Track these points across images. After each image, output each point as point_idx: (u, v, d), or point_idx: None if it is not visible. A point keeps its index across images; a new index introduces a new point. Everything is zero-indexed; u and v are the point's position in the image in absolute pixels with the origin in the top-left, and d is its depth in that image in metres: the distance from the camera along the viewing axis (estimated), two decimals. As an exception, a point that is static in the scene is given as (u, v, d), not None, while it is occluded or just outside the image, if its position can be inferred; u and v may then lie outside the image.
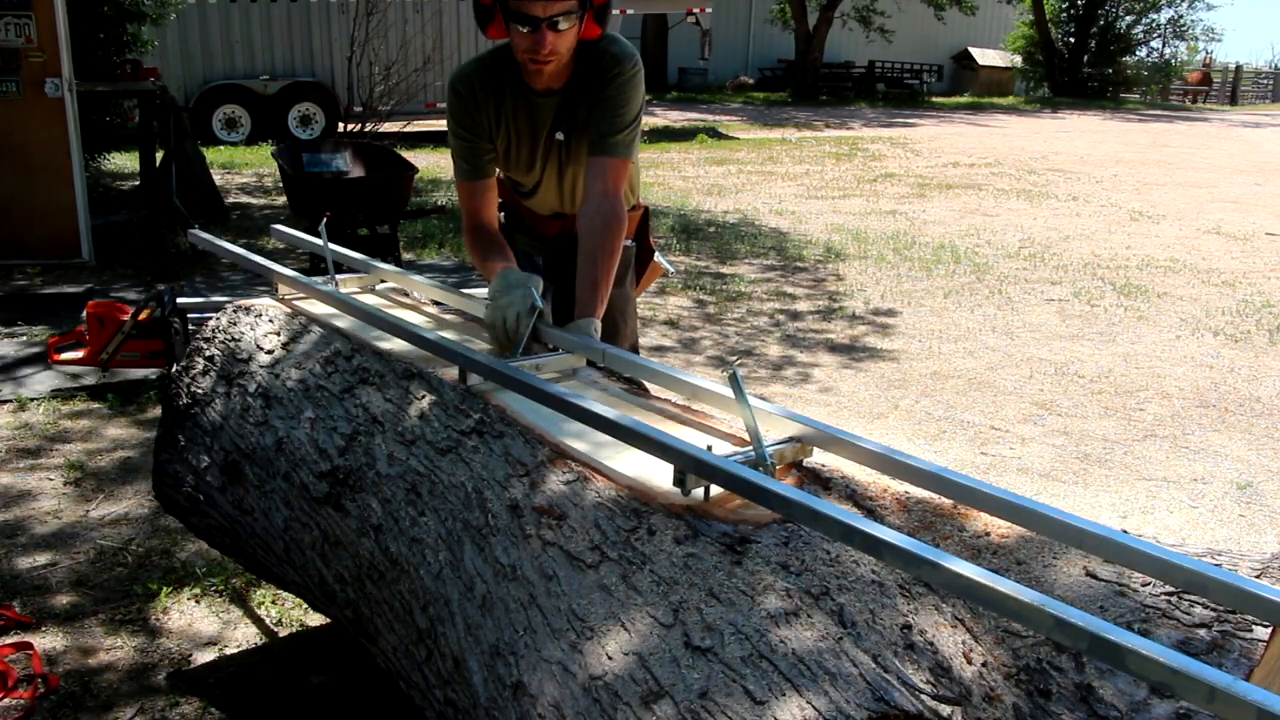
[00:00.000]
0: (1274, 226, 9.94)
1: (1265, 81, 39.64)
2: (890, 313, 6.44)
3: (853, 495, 1.62)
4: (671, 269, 2.82)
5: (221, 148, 13.45)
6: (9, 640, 2.72)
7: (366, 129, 11.54)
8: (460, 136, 2.52)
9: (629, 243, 2.74)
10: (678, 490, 1.57)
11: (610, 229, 2.39)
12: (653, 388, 2.14)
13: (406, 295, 2.72)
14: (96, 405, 4.43)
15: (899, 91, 28.38)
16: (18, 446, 4.00)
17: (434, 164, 11.83)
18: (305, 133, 14.22)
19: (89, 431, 4.17)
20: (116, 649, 2.74)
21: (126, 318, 4.47)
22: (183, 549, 3.25)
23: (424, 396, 1.99)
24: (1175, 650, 1.28)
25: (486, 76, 2.49)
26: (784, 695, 1.19)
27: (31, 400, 4.45)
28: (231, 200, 9.57)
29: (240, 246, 2.92)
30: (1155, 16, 31.33)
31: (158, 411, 3.43)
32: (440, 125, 12.71)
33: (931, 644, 1.30)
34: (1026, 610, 1.16)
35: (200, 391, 2.45)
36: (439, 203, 9.40)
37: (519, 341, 2.17)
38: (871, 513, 1.58)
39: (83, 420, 4.28)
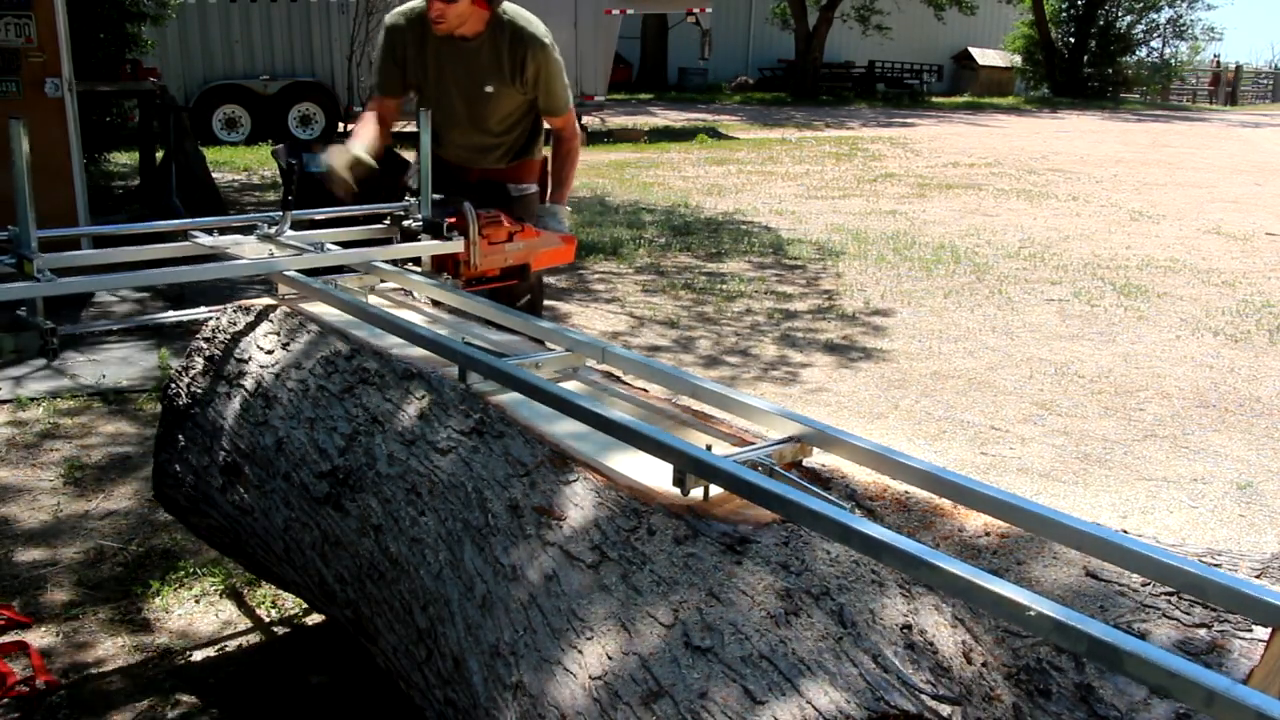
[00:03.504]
0: (1274, 226, 9.94)
1: (1265, 81, 39.67)
2: (890, 313, 6.43)
3: (853, 495, 1.62)
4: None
5: (221, 147, 13.45)
6: (8, 640, 2.72)
7: (366, 129, 11.52)
8: (381, 65, 3.46)
9: (532, 188, 3.61)
10: (678, 490, 1.57)
11: (570, 157, 3.60)
12: (653, 388, 2.14)
13: (406, 295, 2.72)
14: (96, 404, 4.43)
15: (899, 91, 28.40)
16: (17, 445, 4.00)
17: (434, 164, 11.80)
18: (305, 133, 14.22)
19: (88, 430, 4.17)
20: (116, 648, 2.74)
21: None
22: (182, 549, 3.25)
23: (424, 396, 1.99)
24: (1175, 651, 1.28)
25: (415, 19, 3.34)
26: (784, 695, 1.19)
27: (31, 399, 4.45)
28: (231, 200, 9.56)
29: (240, 246, 2.92)
30: (1155, 16, 31.37)
31: (157, 410, 3.43)
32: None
33: (931, 644, 1.29)
34: (1026, 612, 1.16)
35: (200, 391, 2.45)
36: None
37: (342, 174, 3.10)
38: (871, 513, 1.58)
39: (82, 419, 4.28)
